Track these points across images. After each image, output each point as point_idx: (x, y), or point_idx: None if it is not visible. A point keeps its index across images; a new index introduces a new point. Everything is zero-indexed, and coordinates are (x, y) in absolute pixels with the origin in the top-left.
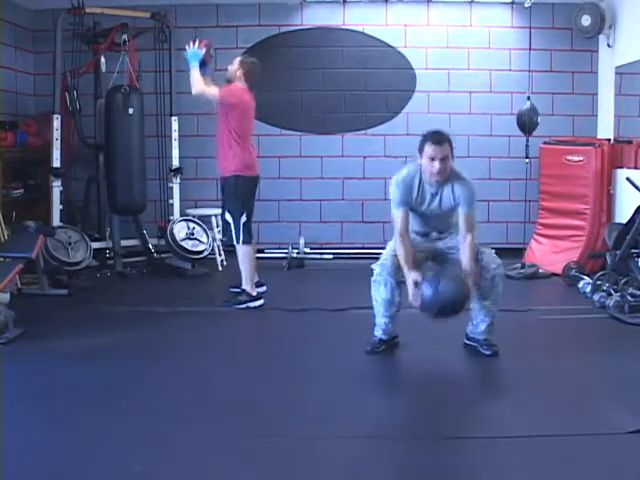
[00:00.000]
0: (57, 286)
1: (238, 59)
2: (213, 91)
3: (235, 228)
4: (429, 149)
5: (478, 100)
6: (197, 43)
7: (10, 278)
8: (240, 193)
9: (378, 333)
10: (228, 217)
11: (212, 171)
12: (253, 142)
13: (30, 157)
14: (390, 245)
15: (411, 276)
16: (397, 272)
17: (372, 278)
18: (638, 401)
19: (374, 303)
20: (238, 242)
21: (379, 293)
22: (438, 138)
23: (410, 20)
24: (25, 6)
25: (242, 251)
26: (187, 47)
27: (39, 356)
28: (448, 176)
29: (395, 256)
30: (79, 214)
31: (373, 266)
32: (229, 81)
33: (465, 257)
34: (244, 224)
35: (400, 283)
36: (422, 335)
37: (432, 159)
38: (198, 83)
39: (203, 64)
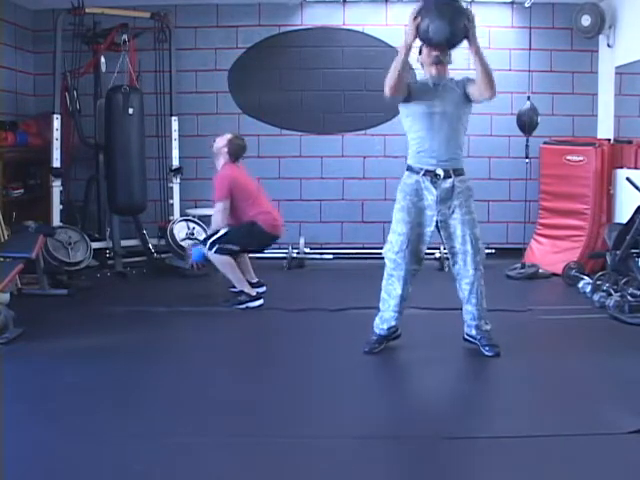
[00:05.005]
0: (57, 286)
1: (227, 136)
2: (222, 216)
3: (216, 238)
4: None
5: None
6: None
7: (10, 278)
8: (251, 233)
9: (383, 326)
10: (223, 229)
11: (212, 171)
12: (267, 196)
13: (30, 157)
14: (394, 236)
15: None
16: (412, 264)
17: (386, 270)
18: (638, 401)
19: (385, 296)
20: (210, 249)
21: (393, 287)
22: None
23: None
24: (25, 6)
25: (212, 258)
26: (189, 254)
27: (39, 356)
28: (446, 73)
29: (407, 248)
30: (79, 214)
31: (385, 253)
32: (215, 154)
33: None
34: (227, 248)
35: (416, 272)
36: (422, 335)
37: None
38: (221, 222)
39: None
